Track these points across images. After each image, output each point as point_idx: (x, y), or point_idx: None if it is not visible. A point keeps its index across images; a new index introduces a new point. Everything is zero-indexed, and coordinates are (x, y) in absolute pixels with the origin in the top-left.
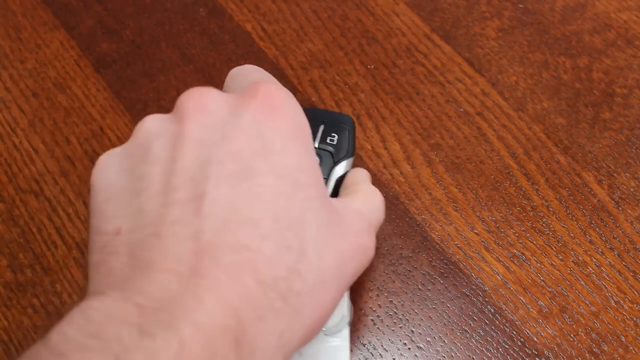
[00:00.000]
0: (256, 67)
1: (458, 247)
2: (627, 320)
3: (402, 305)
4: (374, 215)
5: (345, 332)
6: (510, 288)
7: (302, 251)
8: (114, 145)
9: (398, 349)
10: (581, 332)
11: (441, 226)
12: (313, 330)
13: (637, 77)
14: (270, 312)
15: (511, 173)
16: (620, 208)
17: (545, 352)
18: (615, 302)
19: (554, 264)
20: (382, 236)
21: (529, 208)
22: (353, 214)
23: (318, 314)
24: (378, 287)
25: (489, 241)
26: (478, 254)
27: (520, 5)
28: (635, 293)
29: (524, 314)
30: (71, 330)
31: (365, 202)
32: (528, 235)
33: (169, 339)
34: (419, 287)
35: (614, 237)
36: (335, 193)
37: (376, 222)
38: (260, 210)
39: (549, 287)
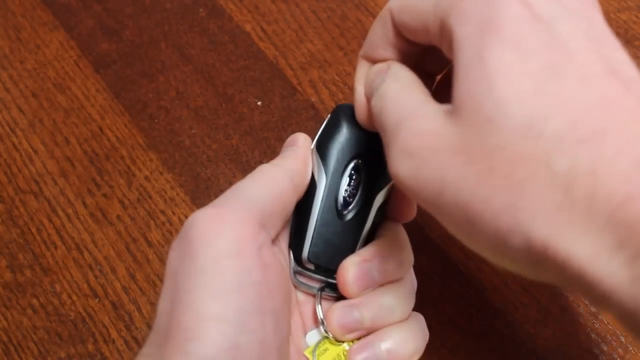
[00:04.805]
0: None
1: (458, 247)
2: None
3: None
4: None
5: None
6: (510, 288)
7: None
8: (113, 146)
9: None
10: (581, 332)
11: (441, 227)
12: None
13: None
14: None
15: None
16: None
17: (545, 352)
18: None
19: None
20: None
21: None
22: None
23: None
24: None
25: None
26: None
27: None
28: None
29: (524, 314)
30: None
31: None
32: None
33: None
34: (419, 287)
35: None
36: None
37: None
38: None
39: (549, 287)
